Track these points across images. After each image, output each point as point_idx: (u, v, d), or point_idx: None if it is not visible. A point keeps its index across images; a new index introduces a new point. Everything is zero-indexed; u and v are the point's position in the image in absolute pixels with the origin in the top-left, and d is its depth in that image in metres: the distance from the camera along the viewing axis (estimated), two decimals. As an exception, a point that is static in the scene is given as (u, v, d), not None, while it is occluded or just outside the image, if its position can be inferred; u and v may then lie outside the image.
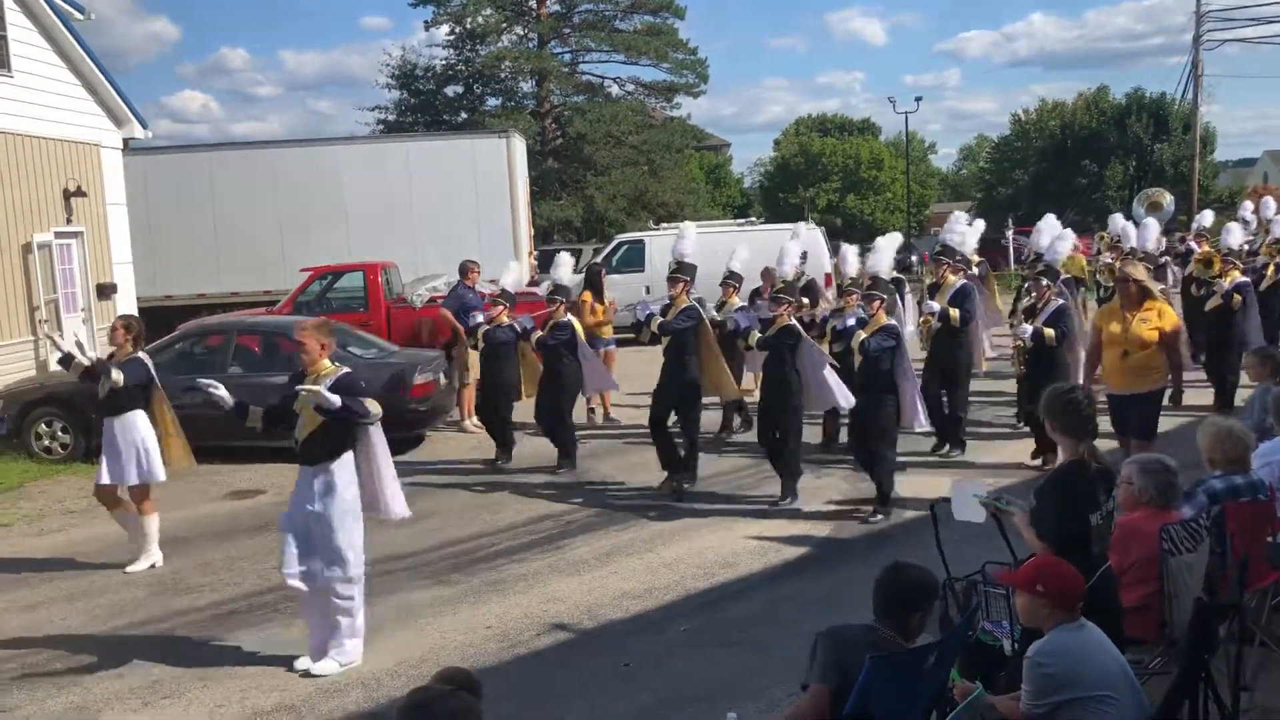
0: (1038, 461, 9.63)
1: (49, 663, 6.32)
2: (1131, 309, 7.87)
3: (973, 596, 4.81)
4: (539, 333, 10.49)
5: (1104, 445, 5.59)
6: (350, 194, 20.76)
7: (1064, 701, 3.66)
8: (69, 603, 7.34)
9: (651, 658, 6.02)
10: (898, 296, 10.98)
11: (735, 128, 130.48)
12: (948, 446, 10.40)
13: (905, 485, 8.88)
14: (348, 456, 6.06)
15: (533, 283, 17.46)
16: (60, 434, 11.47)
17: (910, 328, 11.18)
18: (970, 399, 10.82)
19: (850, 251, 11.70)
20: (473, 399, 12.18)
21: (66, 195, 15.11)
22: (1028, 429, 9.99)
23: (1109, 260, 13.52)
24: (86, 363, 8.06)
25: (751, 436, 10.46)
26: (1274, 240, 13.58)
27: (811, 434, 10.26)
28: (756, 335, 9.04)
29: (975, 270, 12.02)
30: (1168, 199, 30.56)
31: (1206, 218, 17.14)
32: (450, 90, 38.48)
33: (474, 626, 6.59)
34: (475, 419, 11.97)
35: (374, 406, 6.03)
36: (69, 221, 15.19)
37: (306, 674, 5.95)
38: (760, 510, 8.86)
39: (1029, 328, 9.30)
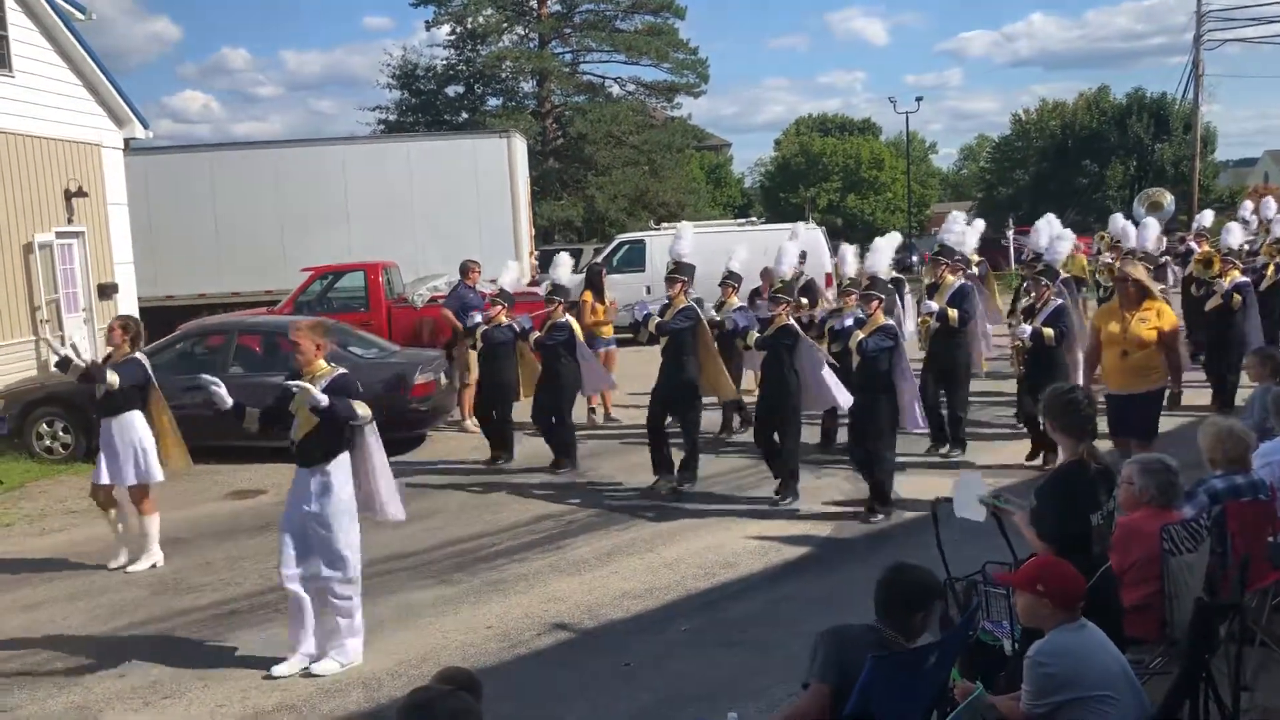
0: (1037, 461, 9.64)
1: (49, 662, 6.32)
2: (1130, 309, 7.86)
3: (973, 596, 4.81)
4: (537, 333, 10.50)
5: (1102, 445, 5.59)
6: (351, 194, 20.77)
7: (1064, 701, 3.66)
8: (70, 602, 7.35)
9: (652, 657, 6.02)
10: (897, 296, 10.97)
11: (736, 128, 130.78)
12: (948, 446, 10.39)
13: (905, 485, 8.88)
14: (344, 457, 6.06)
15: (534, 282, 17.47)
16: (61, 434, 11.48)
17: (909, 328, 11.18)
18: (970, 399, 10.82)
19: (849, 251, 11.69)
20: (473, 399, 12.18)
21: (68, 195, 15.11)
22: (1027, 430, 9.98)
23: (1109, 260, 13.52)
24: (83, 365, 8.06)
25: (751, 436, 10.45)
26: (1274, 240, 13.57)
27: (810, 434, 10.26)
28: (755, 335, 9.05)
29: (975, 270, 12.02)
30: (1168, 199, 30.55)
31: (1207, 217, 17.14)
32: (451, 90, 38.52)
33: (475, 626, 6.59)
34: (475, 419, 11.97)
35: (363, 409, 5.98)
36: (70, 221, 15.19)
37: (269, 677, 5.89)
38: (760, 510, 8.86)
39: (1028, 328, 9.29)
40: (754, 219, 28.13)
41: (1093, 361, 8.20)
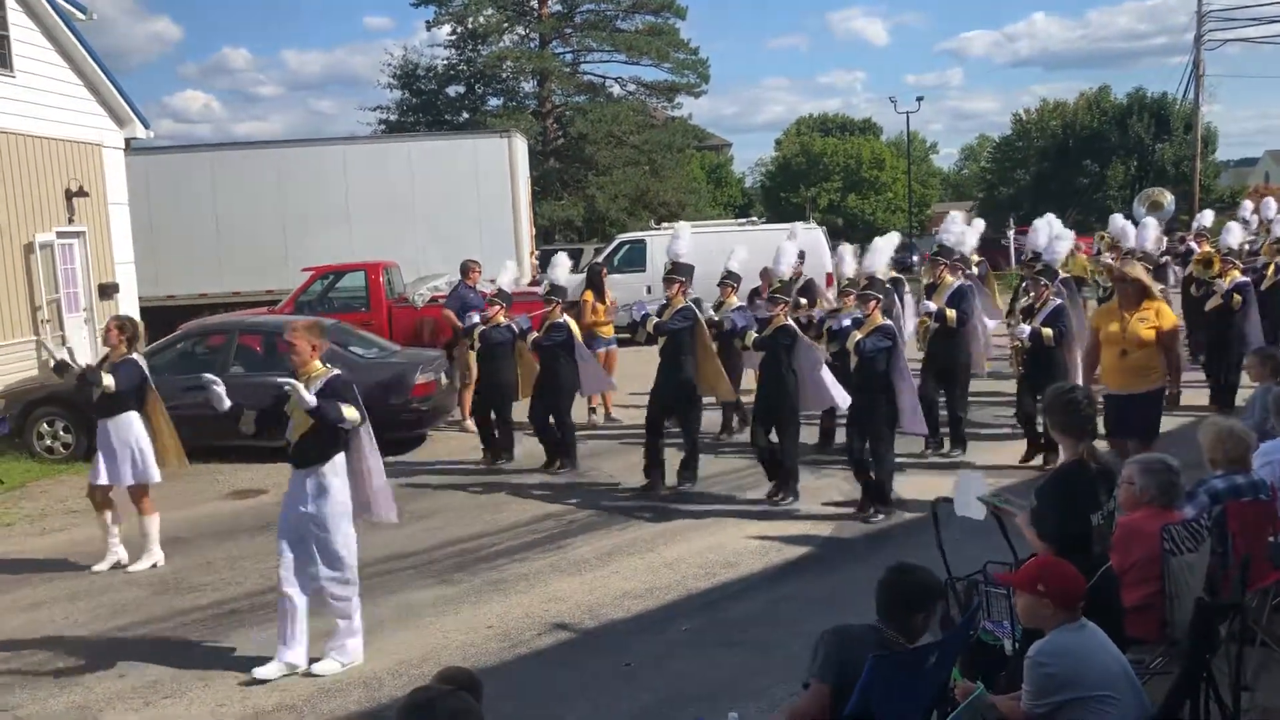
0: (1036, 461, 9.63)
1: (50, 662, 6.32)
2: (1130, 309, 7.86)
3: (974, 596, 4.81)
4: (535, 333, 10.49)
5: (1100, 446, 5.59)
6: (352, 194, 20.78)
7: (1065, 701, 3.66)
8: (70, 602, 7.35)
9: (653, 657, 6.02)
10: (896, 296, 10.97)
11: (736, 127, 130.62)
12: (948, 446, 10.39)
13: (905, 485, 8.88)
14: (339, 458, 6.05)
15: (534, 282, 17.46)
16: (62, 433, 11.49)
17: (909, 328, 11.17)
18: (970, 399, 10.82)
19: (847, 252, 11.69)
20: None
21: (68, 195, 15.13)
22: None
23: (1109, 260, 13.52)
24: (79, 368, 8.06)
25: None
26: (1274, 240, 13.58)
27: (809, 434, 10.26)
28: (753, 335, 9.04)
29: (975, 270, 12.02)
30: (1168, 199, 30.56)
31: (1207, 217, 17.14)
32: (452, 90, 38.53)
33: (475, 626, 6.59)
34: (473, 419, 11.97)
35: (351, 413, 5.93)
36: (71, 221, 15.21)
37: (252, 681, 5.86)
38: (760, 510, 8.86)
39: (1027, 328, 9.29)
40: (754, 219, 28.12)
41: (1092, 361, 8.20)
